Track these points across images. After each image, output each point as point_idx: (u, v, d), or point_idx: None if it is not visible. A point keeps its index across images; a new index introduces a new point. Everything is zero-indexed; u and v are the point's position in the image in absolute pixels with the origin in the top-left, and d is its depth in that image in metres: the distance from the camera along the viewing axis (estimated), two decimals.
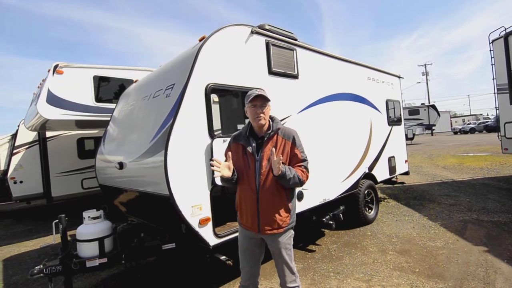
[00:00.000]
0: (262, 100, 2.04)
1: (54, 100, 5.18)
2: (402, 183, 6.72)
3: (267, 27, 3.70)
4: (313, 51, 4.28)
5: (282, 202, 2.05)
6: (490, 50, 7.21)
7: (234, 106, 4.83)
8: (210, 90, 2.92)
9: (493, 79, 7.22)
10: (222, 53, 3.11)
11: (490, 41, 7.18)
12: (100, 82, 5.90)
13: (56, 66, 5.26)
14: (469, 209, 5.50)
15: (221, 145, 2.87)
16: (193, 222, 2.68)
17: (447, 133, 37.93)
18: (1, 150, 9.72)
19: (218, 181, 2.51)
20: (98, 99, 5.81)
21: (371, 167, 5.31)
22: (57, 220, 3.05)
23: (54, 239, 3.15)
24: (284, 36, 3.85)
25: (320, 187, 4.06)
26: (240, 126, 4.21)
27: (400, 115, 6.65)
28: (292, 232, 2.15)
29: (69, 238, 3.14)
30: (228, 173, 1.99)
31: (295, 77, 3.88)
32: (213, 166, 1.95)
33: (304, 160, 2.08)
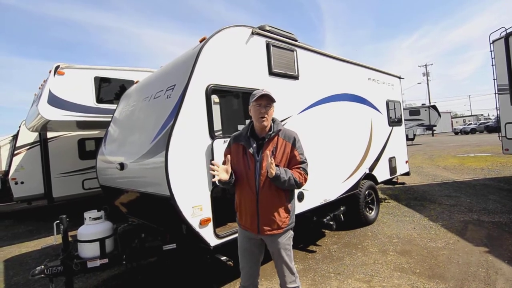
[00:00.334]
0: (267, 100, 2.04)
1: (55, 101, 5.19)
2: (403, 183, 6.71)
3: (267, 28, 3.71)
4: (313, 52, 4.29)
5: (282, 203, 2.05)
6: (491, 51, 7.21)
7: (234, 107, 4.84)
8: (211, 91, 2.93)
9: (494, 79, 7.22)
10: (223, 54, 3.12)
11: (491, 42, 7.18)
12: (101, 83, 5.92)
13: (57, 67, 5.28)
14: (469, 210, 5.50)
15: (221, 146, 2.87)
16: (194, 222, 2.69)
17: (448, 133, 37.87)
18: (2, 151, 9.74)
19: (218, 184, 2.51)
20: (99, 100, 5.83)
21: (371, 168, 5.31)
22: (58, 221, 3.06)
23: (55, 239, 3.16)
24: (284, 37, 3.86)
25: (321, 188, 4.07)
26: (240, 127, 4.22)
27: (401, 115, 6.65)
28: (291, 232, 2.16)
29: (70, 238, 3.15)
30: (225, 176, 1.99)
31: (295, 78, 3.89)
32: (213, 170, 1.95)
33: (303, 162, 2.08)
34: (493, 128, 28.12)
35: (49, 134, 7.67)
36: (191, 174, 2.72)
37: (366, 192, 5.05)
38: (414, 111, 26.54)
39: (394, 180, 6.33)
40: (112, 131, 4.40)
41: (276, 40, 3.68)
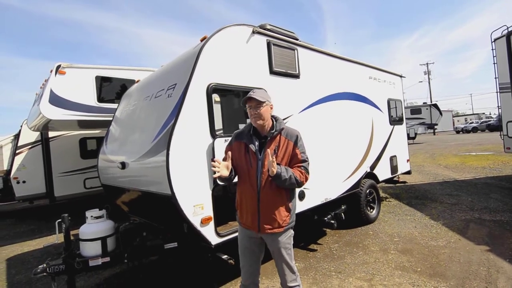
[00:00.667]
0: (255, 102, 2.04)
1: (56, 101, 5.20)
2: (404, 182, 6.71)
3: (268, 27, 3.71)
4: (314, 50, 4.28)
5: (283, 202, 2.05)
6: (492, 49, 7.18)
7: (235, 105, 4.84)
8: (212, 90, 2.93)
9: (495, 78, 7.20)
10: (224, 53, 3.11)
11: (492, 40, 7.15)
12: (102, 82, 5.93)
13: (58, 67, 5.29)
14: (471, 209, 5.49)
15: (222, 144, 2.87)
16: (195, 221, 2.69)
17: (449, 132, 37.78)
18: (4, 150, 9.77)
19: (218, 181, 2.52)
20: (100, 99, 5.84)
21: (372, 167, 5.31)
22: (60, 220, 3.07)
23: (57, 238, 3.17)
24: (285, 36, 3.85)
25: (322, 187, 4.07)
26: (241, 126, 4.22)
27: (402, 114, 6.64)
28: (292, 231, 2.16)
29: (72, 237, 3.16)
30: (226, 173, 2.00)
31: (296, 76, 3.88)
32: (214, 167, 1.96)
33: (304, 161, 2.08)
34: (495, 126, 28.02)
35: (51, 134, 7.70)
36: (192, 173, 2.73)
37: (367, 191, 5.05)
38: (415, 110, 26.48)
39: (395, 179, 6.32)
40: (114, 130, 4.41)
41: (277, 39, 3.68)
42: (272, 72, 3.56)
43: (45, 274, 2.85)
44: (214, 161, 1.98)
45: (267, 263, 3.62)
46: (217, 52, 3.05)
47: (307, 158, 2.10)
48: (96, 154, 4.56)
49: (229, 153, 2.09)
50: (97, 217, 3.20)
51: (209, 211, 2.81)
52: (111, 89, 6.06)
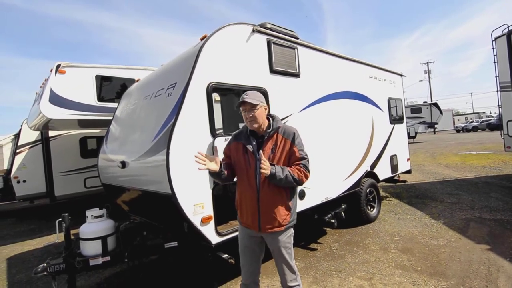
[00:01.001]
0: (249, 105, 2.03)
1: (56, 100, 5.20)
2: (404, 181, 6.71)
3: (268, 25, 3.70)
4: (314, 49, 4.28)
5: (283, 201, 2.04)
6: (493, 48, 7.16)
7: (235, 105, 4.83)
8: (212, 89, 2.93)
9: (496, 76, 7.19)
10: (224, 52, 3.11)
11: (493, 39, 7.14)
12: (102, 82, 5.92)
13: (58, 66, 5.29)
14: (471, 208, 5.49)
15: (222, 143, 2.86)
16: (195, 220, 2.69)
17: (450, 131, 37.76)
18: (5, 149, 9.77)
19: (214, 178, 2.51)
20: (100, 98, 5.83)
21: (373, 166, 5.31)
22: (60, 219, 3.07)
23: (57, 237, 3.18)
24: (285, 35, 3.85)
25: (322, 186, 4.06)
26: (241, 125, 4.22)
27: (402, 113, 6.63)
28: (292, 231, 2.15)
29: (72, 236, 3.16)
30: (215, 167, 1.98)
31: (296, 75, 3.88)
32: (198, 158, 1.92)
33: (303, 158, 2.06)
34: (495, 125, 28.02)
35: (51, 133, 7.69)
36: (192, 172, 2.72)
37: (368, 190, 5.05)
38: (415, 109, 26.48)
39: (395, 178, 6.33)
40: (114, 130, 4.41)
41: (277, 37, 3.67)
42: (272, 71, 3.56)
43: (45, 273, 2.85)
44: (198, 154, 1.93)
45: (267, 262, 3.62)
46: (217, 51, 3.04)
47: (306, 155, 2.08)
48: (96, 153, 4.56)
49: (216, 146, 2.08)
50: (97, 217, 3.20)
51: (209, 210, 2.81)
52: (111, 88, 6.06)
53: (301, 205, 3.62)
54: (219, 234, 2.88)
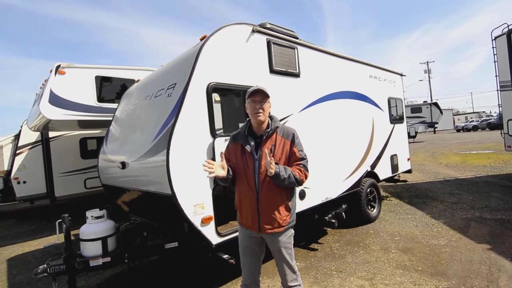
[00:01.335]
0: (261, 96, 2.02)
1: (56, 101, 5.20)
2: (405, 181, 6.71)
3: (268, 25, 3.69)
4: (314, 49, 4.27)
5: (282, 201, 2.04)
6: (493, 47, 7.16)
7: (235, 105, 4.83)
8: (212, 89, 2.93)
9: (496, 76, 7.18)
10: (224, 52, 3.11)
11: (493, 38, 7.13)
12: (102, 82, 5.92)
13: (58, 67, 5.28)
14: (472, 207, 5.48)
15: (222, 144, 2.87)
16: (196, 221, 2.69)
17: (450, 131, 37.74)
18: (5, 150, 9.77)
19: (220, 182, 2.51)
20: (100, 99, 5.83)
21: (373, 166, 5.30)
22: (60, 220, 3.06)
23: (57, 238, 3.17)
24: (285, 35, 3.84)
25: (322, 186, 4.06)
26: (241, 125, 4.22)
27: (402, 113, 6.63)
28: (292, 231, 2.15)
29: (72, 237, 3.16)
30: (222, 173, 1.97)
31: (296, 75, 3.87)
32: (206, 167, 1.90)
33: (303, 158, 2.06)
34: (495, 125, 27.99)
35: (51, 134, 7.70)
36: (193, 173, 2.72)
37: (368, 190, 5.04)
38: (415, 109, 26.47)
39: (396, 177, 6.32)
40: (114, 130, 4.41)
41: (277, 37, 3.67)
42: (272, 71, 3.56)
43: (46, 274, 2.85)
44: (206, 162, 1.93)
45: (267, 263, 3.61)
46: (217, 51, 3.04)
47: (305, 155, 2.09)
48: (97, 154, 4.56)
49: (221, 152, 2.08)
50: (97, 217, 3.20)
51: (209, 211, 2.81)
52: (111, 89, 6.05)
53: (301, 205, 3.62)
54: (219, 234, 2.88)
